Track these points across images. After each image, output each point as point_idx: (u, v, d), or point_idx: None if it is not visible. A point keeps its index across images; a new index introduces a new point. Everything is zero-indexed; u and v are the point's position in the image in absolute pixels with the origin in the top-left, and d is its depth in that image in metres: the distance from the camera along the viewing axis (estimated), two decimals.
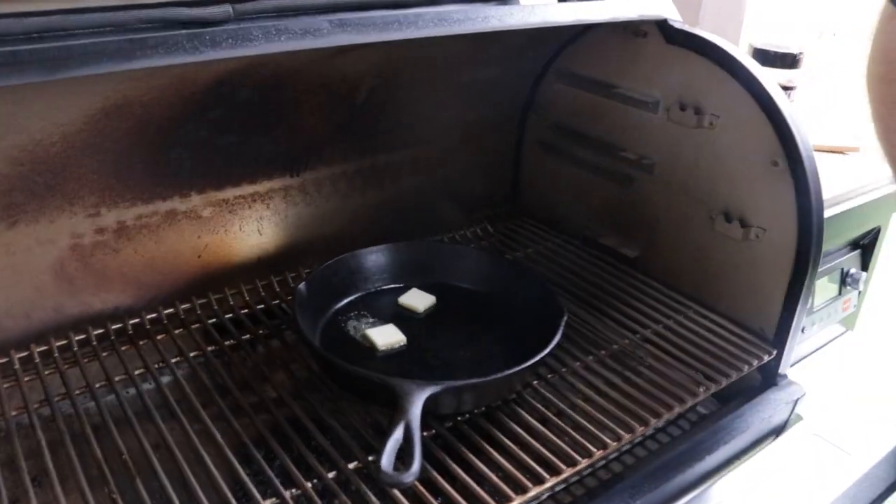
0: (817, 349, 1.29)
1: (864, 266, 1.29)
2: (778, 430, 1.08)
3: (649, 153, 1.17)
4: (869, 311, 1.38)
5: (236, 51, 0.74)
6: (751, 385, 1.08)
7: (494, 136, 1.35)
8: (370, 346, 1.00)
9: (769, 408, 1.05)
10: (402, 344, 1.01)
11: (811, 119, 1.01)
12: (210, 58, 0.72)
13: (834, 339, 1.32)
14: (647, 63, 1.13)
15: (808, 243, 1.00)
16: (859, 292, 1.31)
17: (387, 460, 0.73)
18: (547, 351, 0.91)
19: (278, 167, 1.11)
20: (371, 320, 1.06)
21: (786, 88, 1.29)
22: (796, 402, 1.08)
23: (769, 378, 1.09)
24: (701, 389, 0.97)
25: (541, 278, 1.12)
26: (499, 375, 0.86)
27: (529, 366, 0.88)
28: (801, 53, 1.32)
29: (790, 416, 1.09)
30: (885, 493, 1.05)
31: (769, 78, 1.00)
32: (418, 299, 1.09)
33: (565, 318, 0.97)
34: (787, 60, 1.32)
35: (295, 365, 1.00)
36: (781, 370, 1.09)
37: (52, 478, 0.79)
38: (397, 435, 0.76)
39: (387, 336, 1.01)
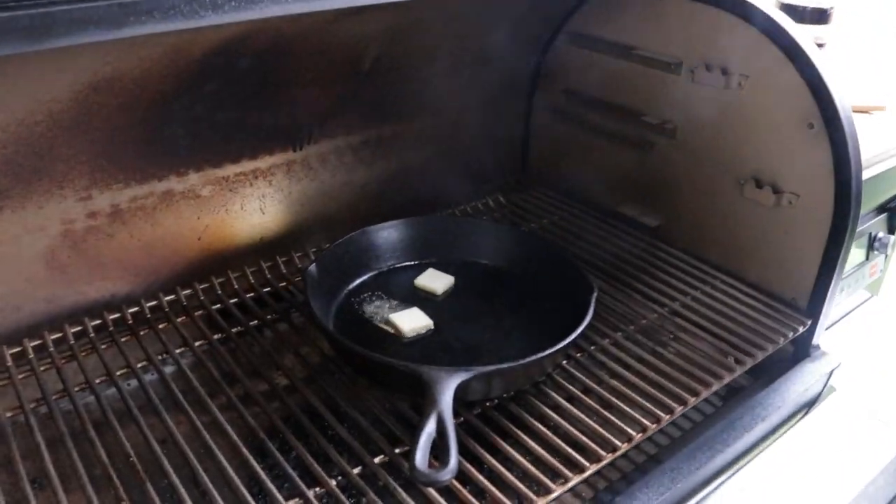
0: (843, 316, 1.25)
1: (891, 230, 1.24)
2: (811, 403, 1.03)
3: (671, 117, 1.11)
4: (893, 275, 1.34)
5: (240, 14, 0.66)
6: (783, 356, 1.03)
7: (504, 104, 1.29)
8: (395, 332, 0.94)
9: (804, 380, 1.00)
10: (429, 329, 0.95)
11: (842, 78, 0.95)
12: (211, 22, 0.65)
13: (860, 304, 1.28)
14: (669, 21, 1.07)
15: (846, 209, 0.94)
16: (886, 256, 1.26)
17: (420, 457, 0.67)
18: (580, 330, 0.85)
19: (280, 141, 1.04)
20: (388, 301, 1.00)
21: (817, 45, 1.23)
22: (831, 373, 1.04)
23: (802, 349, 1.04)
24: (737, 365, 0.92)
25: (565, 251, 1.06)
26: (531, 359, 0.80)
27: (562, 347, 0.83)
28: (831, 8, 1.26)
29: (824, 387, 1.04)
30: None
31: (803, 34, 0.94)
32: (436, 280, 1.03)
33: (595, 294, 0.91)
34: (818, 16, 1.26)
35: (306, 349, 0.95)
36: (815, 341, 1.04)
37: (52, 479, 0.73)
38: (429, 428, 0.70)
39: (413, 320, 0.95)
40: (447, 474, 0.66)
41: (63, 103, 0.81)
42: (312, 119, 1.05)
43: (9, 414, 0.82)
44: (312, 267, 0.95)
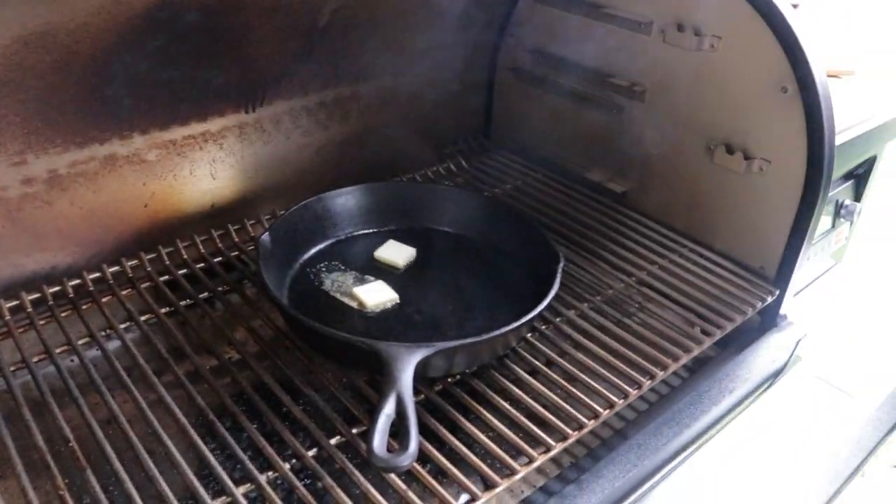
0: (808, 284, 1.23)
1: (857, 197, 1.22)
2: (777, 373, 1.02)
3: (641, 79, 1.07)
4: (856, 242, 1.33)
5: None
6: (749, 326, 1.01)
7: (467, 63, 1.23)
8: (358, 306, 0.90)
9: (771, 351, 0.99)
10: (395, 303, 0.91)
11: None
12: None
13: (824, 272, 1.27)
14: None
15: (817, 176, 0.92)
16: (851, 223, 1.25)
17: (379, 441, 0.63)
18: (545, 303, 0.82)
19: (231, 102, 0.98)
20: (346, 273, 0.95)
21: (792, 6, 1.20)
22: (797, 343, 1.02)
23: (769, 318, 1.03)
24: (706, 337, 0.90)
25: (531, 219, 1.03)
26: (495, 333, 0.77)
27: (527, 321, 0.80)
28: None
29: (790, 357, 1.03)
30: (889, 434, 1.01)
31: None
32: (397, 253, 0.98)
33: (562, 264, 0.88)
34: None
35: (258, 322, 0.90)
36: (782, 310, 1.02)
37: None
38: (388, 409, 0.66)
39: (377, 294, 0.91)
40: (406, 459, 0.62)
41: None
42: (266, 78, 0.99)
43: None
44: (265, 236, 0.90)
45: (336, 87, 1.07)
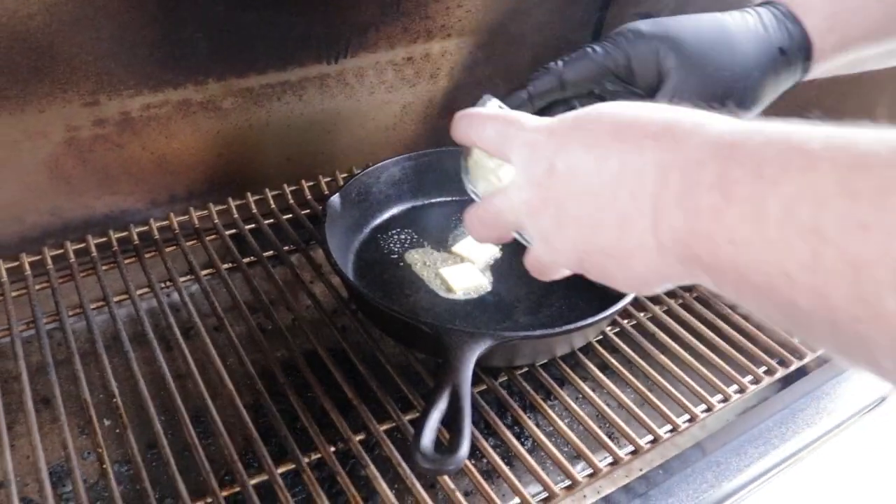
0: None
1: None
2: (884, 396, 0.91)
3: None
4: None
5: None
6: None
7: (569, 22, 1.13)
8: (446, 290, 0.83)
9: None
10: (485, 290, 0.83)
11: None
12: None
13: None
14: None
15: None
16: None
17: (428, 438, 0.57)
18: (630, 298, 0.74)
19: (312, 52, 0.93)
20: (423, 246, 0.89)
21: None
22: None
23: None
24: (807, 350, 0.81)
25: None
26: (570, 327, 0.69)
27: (605, 317, 0.72)
28: None
29: None
30: None
31: None
32: (478, 251, 0.88)
33: None
34: None
35: (319, 287, 0.86)
36: None
37: (28, 410, 0.67)
38: (442, 404, 0.60)
39: (466, 278, 0.83)
40: (455, 463, 0.57)
41: None
42: (351, 28, 0.93)
43: None
44: (335, 197, 0.85)
45: (426, 41, 1.00)
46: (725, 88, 0.61)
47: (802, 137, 0.32)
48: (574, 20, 1.12)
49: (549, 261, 0.52)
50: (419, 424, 0.59)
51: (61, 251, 0.84)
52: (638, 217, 0.40)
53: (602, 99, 0.64)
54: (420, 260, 0.87)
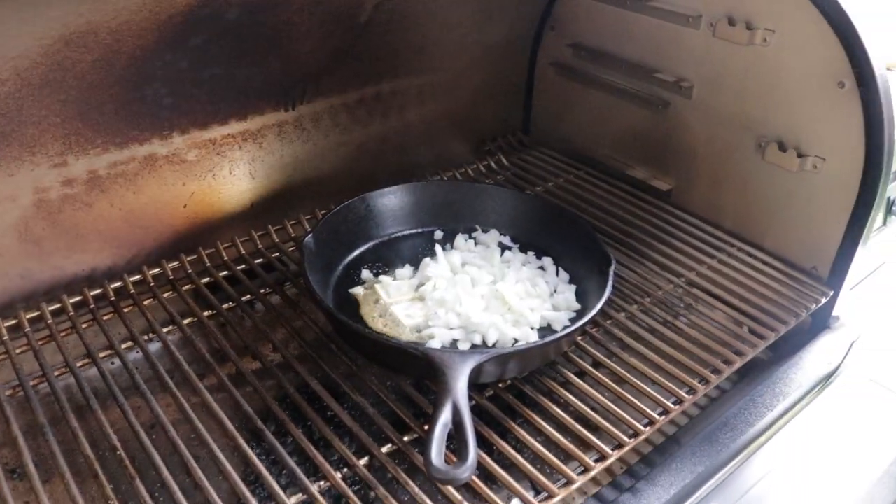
0: (857, 283, 1.20)
1: None
2: (830, 375, 0.99)
3: (688, 74, 1.04)
4: None
5: None
6: (801, 327, 0.98)
7: (507, 58, 1.21)
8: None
9: (825, 354, 0.96)
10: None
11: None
12: None
13: (873, 271, 1.23)
14: None
15: (875, 174, 0.89)
16: None
17: (436, 452, 0.61)
18: (599, 307, 0.80)
19: (271, 101, 0.97)
20: (388, 272, 0.93)
21: None
22: (851, 345, 0.99)
23: (821, 320, 1.00)
24: (759, 340, 0.88)
25: (579, 218, 1.00)
26: (550, 339, 0.75)
27: (581, 325, 0.77)
28: None
29: (843, 360, 1.00)
30: None
31: None
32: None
33: (613, 266, 0.85)
34: None
35: (299, 323, 0.89)
36: (835, 312, 0.99)
37: (29, 470, 0.67)
38: (444, 419, 0.64)
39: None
40: (466, 471, 0.60)
41: (31, 59, 0.74)
42: (306, 76, 0.98)
43: None
44: (309, 238, 0.88)
45: (376, 84, 1.05)
46: None
47: None
48: (512, 57, 1.20)
49: None
50: (427, 440, 0.63)
51: (37, 313, 0.84)
52: None
53: None
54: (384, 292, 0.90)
